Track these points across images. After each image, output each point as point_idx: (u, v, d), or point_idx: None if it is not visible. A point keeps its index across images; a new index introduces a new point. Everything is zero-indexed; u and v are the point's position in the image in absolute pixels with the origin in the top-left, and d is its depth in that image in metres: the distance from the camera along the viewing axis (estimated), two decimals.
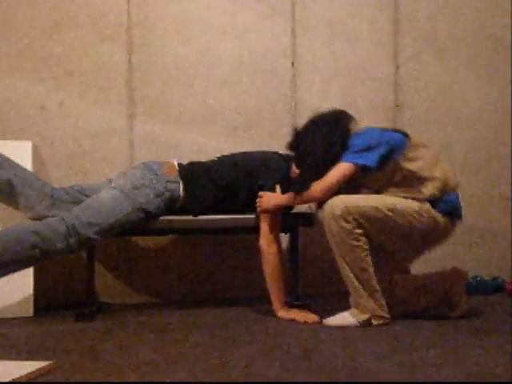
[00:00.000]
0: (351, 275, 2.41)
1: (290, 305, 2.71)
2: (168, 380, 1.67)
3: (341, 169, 2.43)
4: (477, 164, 3.47)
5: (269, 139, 3.34)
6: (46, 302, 2.96)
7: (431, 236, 2.52)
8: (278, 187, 2.68)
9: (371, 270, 2.42)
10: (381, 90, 3.44)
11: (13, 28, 3.14)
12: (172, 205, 2.73)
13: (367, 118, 3.39)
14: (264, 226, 2.65)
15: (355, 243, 2.38)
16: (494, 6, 3.53)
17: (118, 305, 3.07)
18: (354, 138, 2.50)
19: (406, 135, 2.53)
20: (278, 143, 3.34)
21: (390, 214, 2.40)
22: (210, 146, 3.30)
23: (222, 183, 2.77)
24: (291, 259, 2.90)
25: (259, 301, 3.02)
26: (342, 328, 2.37)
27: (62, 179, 3.06)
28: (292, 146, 2.68)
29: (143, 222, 2.66)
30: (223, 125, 3.33)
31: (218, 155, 2.93)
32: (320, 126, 2.56)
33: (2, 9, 3.14)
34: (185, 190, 2.72)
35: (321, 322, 2.50)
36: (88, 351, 2.04)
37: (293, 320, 2.55)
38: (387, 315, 2.44)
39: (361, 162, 2.42)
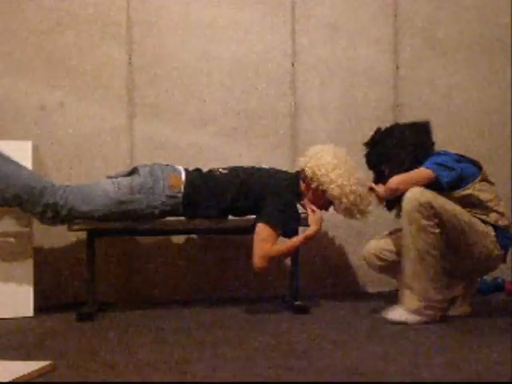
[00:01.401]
0: (414, 260, 2.36)
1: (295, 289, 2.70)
2: (168, 380, 1.67)
3: (421, 171, 2.49)
4: None
5: (269, 139, 3.34)
6: (45, 302, 2.96)
7: (481, 265, 2.54)
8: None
9: (437, 255, 2.37)
10: (381, 89, 3.44)
11: (13, 28, 3.14)
12: (174, 210, 2.72)
13: (367, 117, 3.39)
14: (265, 247, 2.57)
15: (431, 229, 2.36)
16: (494, 6, 3.53)
17: (118, 305, 3.06)
18: (434, 155, 2.58)
19: (479, 168, 2.56)
20: (278, 143, 3.35)
21: (465, 226, 2.42)
22: (210, 146, 3.29)
23: (225, 206, 2.72)
24: (291, 259, 2.90)
25: (259, 301, 3.03)
26: (342, 328, 2.36)
27: (62, 179, 3.04)
28: (370, 142, 2.75)
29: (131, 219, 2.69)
30: (223, 125, 3.32)
31: (230, 166, 2.88)
32: (400, 131, 2.70)
33: (2, 9, 3.14)
34: (184, 208, 2.71)
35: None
36: (88, 351, 2.05)
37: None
38: (442, 304, 2.42)
39: (439, 173, 2.46)
